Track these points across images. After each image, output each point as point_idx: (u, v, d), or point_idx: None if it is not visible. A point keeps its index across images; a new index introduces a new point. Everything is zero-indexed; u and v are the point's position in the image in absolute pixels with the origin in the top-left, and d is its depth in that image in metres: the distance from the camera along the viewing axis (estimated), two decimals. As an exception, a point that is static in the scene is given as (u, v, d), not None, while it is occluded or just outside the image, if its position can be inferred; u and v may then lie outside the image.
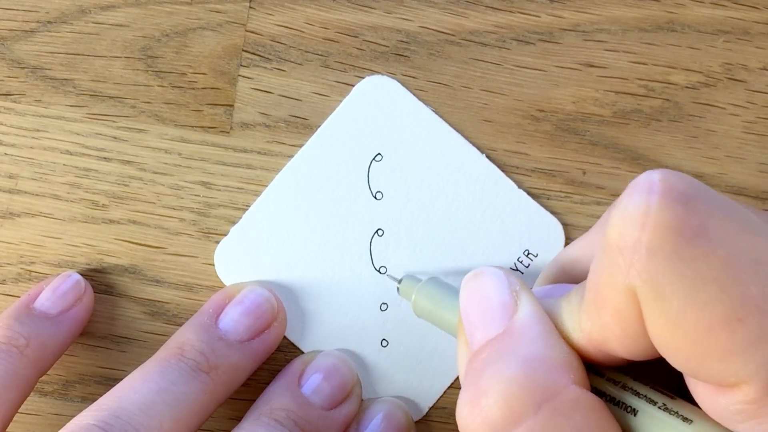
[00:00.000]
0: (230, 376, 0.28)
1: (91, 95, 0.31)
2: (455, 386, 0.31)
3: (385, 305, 0.31)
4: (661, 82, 0.31)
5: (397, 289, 0.30)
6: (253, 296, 0.30)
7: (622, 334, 0.20)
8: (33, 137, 0.31)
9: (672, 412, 0.21)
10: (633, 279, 0.19)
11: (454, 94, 0.31)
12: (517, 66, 0.31)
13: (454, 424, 0.31)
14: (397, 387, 0.31)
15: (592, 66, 0.31)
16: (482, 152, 0.31)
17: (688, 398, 0.21)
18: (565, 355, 0.21)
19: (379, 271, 0.31)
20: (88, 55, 0.31)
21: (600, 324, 0.20)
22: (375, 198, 0.31)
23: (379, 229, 0.31)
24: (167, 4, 0.31)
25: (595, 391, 0.22)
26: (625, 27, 0.31)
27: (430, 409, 0.31)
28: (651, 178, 0.19)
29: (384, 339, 0.31)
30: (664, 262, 0.18)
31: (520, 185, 0.31)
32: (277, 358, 0.31)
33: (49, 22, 0.32)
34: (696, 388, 0.20)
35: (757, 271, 0.18)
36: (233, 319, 0.29)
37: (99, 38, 0.31)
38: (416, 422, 0.31)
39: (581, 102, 0.31)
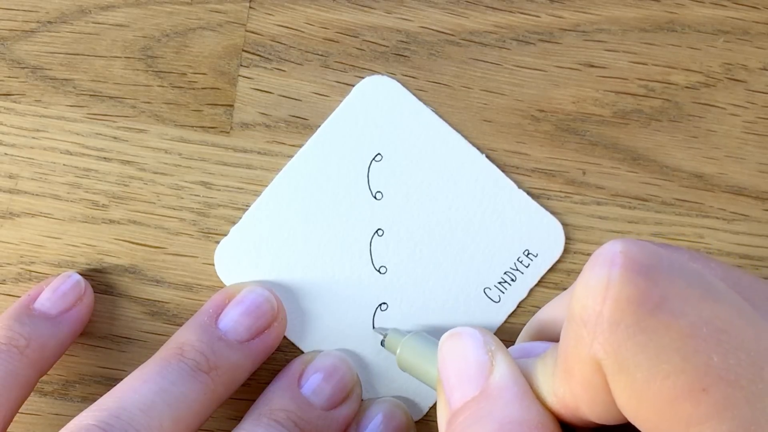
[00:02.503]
0: (230, 376, 0.28)
1: (91, 95, 0.31)
2: (455, 386, 0.31)
3: (385, 305, 0.31)
4: (661, 82, 0.31)
5: (382, 342, 0.30)
6: (253, 296, 0.30)
7: (591, 403, 0.20)
8: (33, 137, 0.31)
9: None
10: (597, 351, 0.19)
11: (454, 94, 0.31)
12: (517, 66, 0.31)
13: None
14: (397, 387, 0.31)
15: (592, 66, 0.31)
16: (482, 152, 0.31)
17: None
18: (540, 417, 0.21)
19: (379, 271, 0.31)
20: (88, 55, 0.31)
21: (571, 391, 0.21)
22: (375, 198, 0.31)
23: (379, 229, 0.31)
24: (167, 4, 0.31)
25: None
26: (625, 27, 0.31)
27: (430, 409, 0.31)
28: (613, 249, 0.19)
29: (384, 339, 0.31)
30: (626, 335, 0.19)
31: (520, 185, 0.31)
32: (277, 358, 0.31)
33: (49, 22, 0.32)
34: None
35: (719, 341, 0.18)
36: (233, 319, 0.29)
37: (99, 38, 0.31)
38: (416, 422, 0.31)
39: (581, 102, 0.31)
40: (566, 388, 0.21)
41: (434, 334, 0.31)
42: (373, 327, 0.31)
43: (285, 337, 0.31)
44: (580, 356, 0.20)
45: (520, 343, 0.25)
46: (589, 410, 0.20)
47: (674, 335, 0.18)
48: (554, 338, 0.24)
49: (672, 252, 0.20)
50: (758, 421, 0.18)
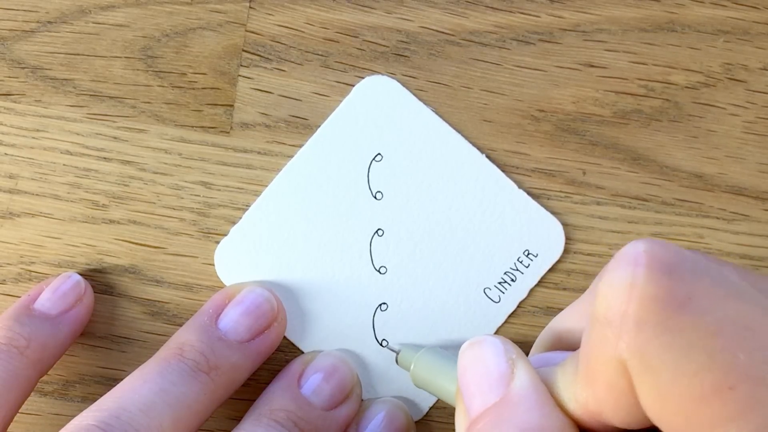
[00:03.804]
0: (230, 376, 0.28)
1: (91, 95, 0.31)
2: (455, 386, 0.31)
3: (385, 305, 0.31)
4: (661, 82, 0.31)
5: (396, 359, 0.30)
6: (253, 296, 0.30)
7: (615, 406, 0.20)
8: (33, 137, 0.31)
9: None
10: (622, 351, 0.19)
11: (454, 94, 0.31)
12: (517, 66, 0.31)
13: (454, 424, 0.31)
14: (397, 387, 0.31)
15: (592, 66, 0.31)
16: (482, 152, 0.31)
17: None
18: (561, 424, 0.21)
19: (379, 271, 0.31)
20: (88, 55, 0.31)
21: (594, 396, 0.21)
22: (375, 198, 0.31)
23: (379, 229, 0.31)
24: (167, 4, 0.31)
25: None
26: (625, 27, 0.31)
27: (430, 409, 0.31)
28: (636, 249, 0.19)
29: (384, 339, 0.31)
30: (651, 334, 0.19)
31: (520, 185, 0.31)
32: (277, 358, 0.31)
33: (49, 22, 0.32)
34: None
35: (744, 338, 0.18)
36: (233, 319, 0.29)
37: (99, 38, 0.31)
38: (416, 422, 0.31)
39: (581, 102, 0.31)
40: (589, 393, 0.21)
41: (435, 335, 0.31)
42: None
43: (285, 337, 0.31)
44: (604, 357, 0.19)
45: (536, 354, 0.25)
46: (613, 414, 0.20)
47: (700, 334, 0.18)
48: (570, 347, 0.24)
49: (693, 252, 0.20)
50: None
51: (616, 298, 0.19)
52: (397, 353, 0.30)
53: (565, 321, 0.26)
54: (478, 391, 0.23)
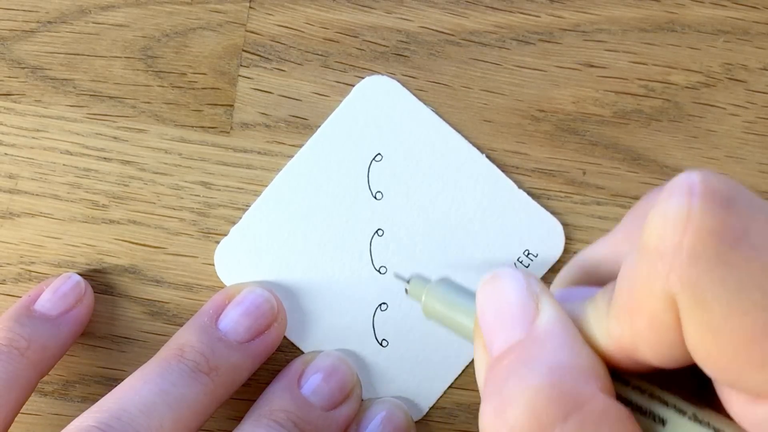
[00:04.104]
0: (230, 377, 0.28)
1: (91, 95, 0.31)
2: (455, 386, 0.31)
3: (385, 305, 0.31)
4: (661, 82, 0.31)
5: (406, 290, 0.29)
6: (253, 297, 0.30)
7: (656, 342, 0.19)
8: (33, 137, 0.31)
9: (703, 423, 0.20)
10: (673, 284, 0.18)
11: (454, 94, 0.31)
12: (517, 66, 0.31)
13: (454, 424, 0.31)
14: (397, 387, 0.31)
15: (592, 66, 0.31)
16: (482, 152, 0.31)
17: (713, 407, 0.20)
18: (591, 362, 0.20)
19: (379, 271, 0.31)
20: (88, 55, 0.31)
21: (632, 330, 0.20)
22: (375, 198, 0.31)
23: (379, 229, 0.31)
24: (167, 4, 0.31)
25: (621, 399, 0.21)
26: (625, 27, 0.31)
27: (430, 409, 0.31)
28: (690, 179, 0.19)
29: (384, 339, 0.31)
30: (705, 268, 0.18)
31: (520, 185, 0.31)
32: (277, 358, 0.31)
33: (49, 22, 0.31)
34: (730, 397, 0.19)
35: None
36: (233, 319, 0.29)
37: (99, 38, 0.31)
38: (416, 422, 0.31)
39: (581, 102, 0.31)
40: (625, 327, 0.20)
41: (436, 335, 0.31)
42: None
43: (285, 337, 0.31)
44: (651, 290, 0.19)
45: (561, 288, 0.24)
46: (651, 351, 0.20)
47: (756, 270, 0.18)
48: (599, 282, 0.23)
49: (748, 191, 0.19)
50: None
51: (669, 229, 0.18)
52: (408, 282, 0.27)
53: (594, 254, 0.24)
54: (500, 327, 0.22)
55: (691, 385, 0.21)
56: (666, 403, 0.21)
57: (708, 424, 0.20)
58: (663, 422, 0.20)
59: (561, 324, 0.21)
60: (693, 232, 0.18)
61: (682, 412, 0.20)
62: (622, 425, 0.20)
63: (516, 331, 0.21)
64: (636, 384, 0.21)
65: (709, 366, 0.19)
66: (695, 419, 0.20)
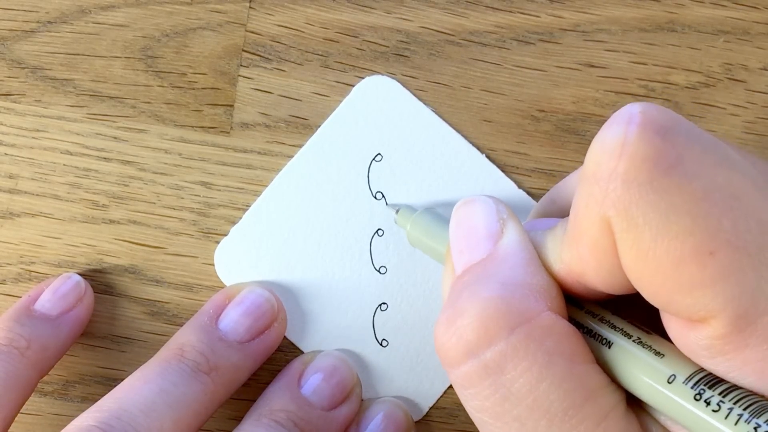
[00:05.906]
0: (230, 376, 0.29)
1: (91, 95, 0.31)
2: (455, 386, 0.31)
3: (385, 305, 0.31)
4: (661, 82, 0.31)
5: (395, 219, 0.30)
6: (253, 297, 0.30)
7: (597, 266, 0.20)
8: (33, 137, 0.31)
9: (645, 346, 0.21)
10: (607, 209, 0.19)
11: (454, 94, 0.31)
12: (517, 66, 0.31)
13: (454, 424, 0.31)
14: (397, 387, 0.31)
15: (592, 66, 0.31)
16: (482, 152, 0.31)
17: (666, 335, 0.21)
18: (544, 283, 0.21)
19: (379, 271, 0.31)
20: (88, 55, 0.31)
21: (578, 256, 0.21)
22: (375, 198, 0.31)
23: (379, 229, 0.31)
24: (167, 4, 0.31)
25: (573, 321, 0.22)
26: (625, 27, 0.31)
27: (430, 409, 0.31)
28: (632, 110, 0.19)
29: (384, 339, 0.31)
30: (638, 192, 0.19)
31: (520, 185, 0.31)
32: (277, 358, 0.31)
33: (49, 22, 0.32)
34: (669, 323, 0.20)
35: (731, 206, 0.18)
36: (233, 319, 0.29)
37: (99, 38, 0.31)
38: (416, 422, 0.31)
39: (581, 102, 0.31)
40: (573, 253, 0.21)
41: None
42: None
43: (285, 337, 0.31)
44: (590, 215, 0.19)
45: (531, 219, 0.25)
46: (595, 275, 0.20)
47: (686, 197, 0.18)
48: (564, 213, 0.24)
49: (689, 121, 0.20)
50: (762, 289, 0.18)
51: (606, 156, 0.19)
52: (397, 212, 0.30)
53: (562, 187, 0.25)
54: (466, 247, 0.23)
55: (646, 313, 0.22)
56: (614, 327, 0.22)
57: (650, 348, 0.21)
58: (609, 344, 0.21)
59: (521, 246, 0.22)
60: (627, 158, 0.19)
61: (628, 336, 0.21)
62: (566, 340, 0.21)
63: (479, 252, 0.23)
64: (589, 309, 0.22)
65: (643, 289, 0.19)
66: (639, 342, 0.21)
